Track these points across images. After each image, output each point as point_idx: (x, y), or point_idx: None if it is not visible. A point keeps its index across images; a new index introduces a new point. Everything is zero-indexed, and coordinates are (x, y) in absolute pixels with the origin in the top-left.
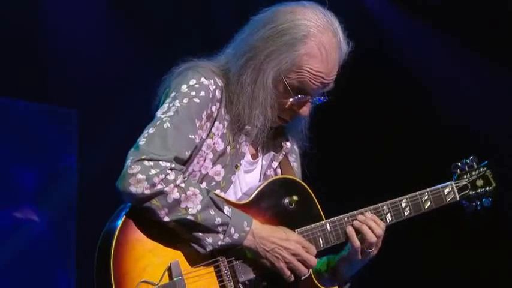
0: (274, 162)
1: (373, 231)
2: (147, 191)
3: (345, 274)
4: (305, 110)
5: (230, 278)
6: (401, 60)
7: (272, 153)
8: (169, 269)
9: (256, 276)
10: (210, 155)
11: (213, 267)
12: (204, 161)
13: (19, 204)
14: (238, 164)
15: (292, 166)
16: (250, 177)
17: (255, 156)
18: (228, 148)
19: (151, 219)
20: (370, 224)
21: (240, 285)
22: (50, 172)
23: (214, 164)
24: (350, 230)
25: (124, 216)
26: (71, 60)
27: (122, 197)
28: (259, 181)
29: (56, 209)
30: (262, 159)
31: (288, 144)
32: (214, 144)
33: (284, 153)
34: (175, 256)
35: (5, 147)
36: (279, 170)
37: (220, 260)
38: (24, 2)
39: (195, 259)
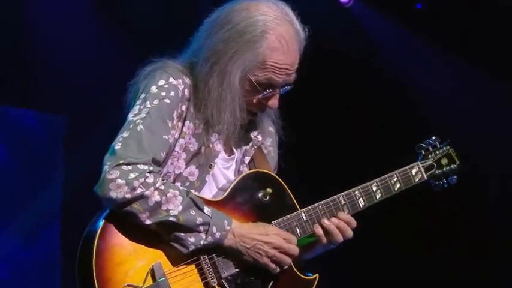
0: (246, 157)
1: (343, 234)
2: (128, 195)
3: (306, 258)
4: (274, 103)
5: (213, 274)
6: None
7: (244, 148)
8: (152, 271)
9: (238, 270)
10: (183, 155)
11: (194, 265)
12: (178, 161)
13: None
14: (213, 164)
15: (269, 151)
16: (229, 173)
17: (230, 153)
18: (203, 148)
19: (131, 222)
20: (341, 226)
21: (223, 281)
22: (36, 177)
23: (187, 164)
24: (319, 230)
25: (102, 222)
26: (60, 67)
27: (102, 203)
28: (236, 176)
29: (41, 214)
30: (236, 154)
31: (260, 137)
32: (186, 144)
33: (255, 146)
34: (157, 257)
35: None
36: (252, 164)
37: (202, 257)
38: (12, 8)
39: (176, 259)
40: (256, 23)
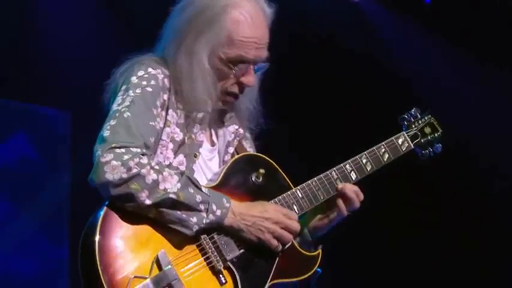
0: (230, 148)
1: (358, 198)
2: (125, 175)
3: (318, 236)
4: (249, 79)
5: (218, 257)
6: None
7: (227, 139)
8: (157, 260)
9: (242, 251)
10: (171, 145)
11: (198, 250)
12: (166, 150)
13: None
14: (197, 153)
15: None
16: (213, 164)
17: (213, 143)
18: (186, 138)
19: (130, 213)
20: (356, 190)
21: (229, 263)
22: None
23: (176, 153)
24: (341, 201)
25: (101, 217)
26: (63, 62)
27: (99, 190)
28: (220, 167)
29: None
30: (218, 145)
31: (241, 130)
32: (172, 133)
33: (238, 138)
34: (161, 246)
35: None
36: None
37: (205, 241)
38: (17, 4)
39: (180, 245)
40: (217, 0)
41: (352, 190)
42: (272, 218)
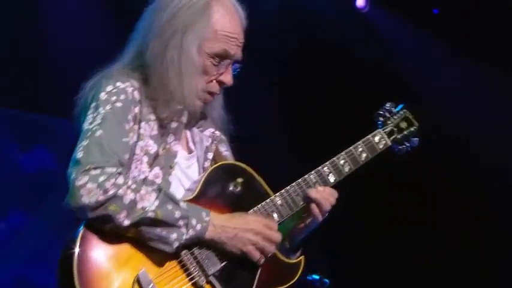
0: (209, 153)
1: (330, 201)
2: (101, 198)
3: (298, 241)
4: (228, 78)
5: (200, 272)
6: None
7: (204, 144)
8: (138, 280)
9: (224, 264)
10: (145, 158)
11: (179, 267)
12: (141, 164)
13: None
14: (172, 164)
15: (225, 156)
16: (192, 171)
17: (189, 151)
18: (160, 149)
19: (108, 233)
20: (327, 192)
21: (211, 278)
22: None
23: (151, 166)
24: (313, 206)
25: (80, 238)
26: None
27: (76, 213)
28: (199, 174)
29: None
30: (196, 152)
31: (217, 133)
32: (146, 146)
33: (216, 142)
34: (141, 265)
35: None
36: (214, 162)
37: (185, 257)
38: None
39: (160, 263)
40: None
41: (321, 196)
42: (254, 229)
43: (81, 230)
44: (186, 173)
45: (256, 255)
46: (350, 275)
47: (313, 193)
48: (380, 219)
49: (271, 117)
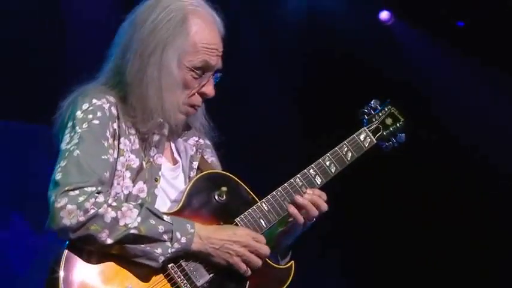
0: (194, 162)
1: (318, 208)
2: (82, 218)
3: (286, 245)
4: (210, 89)
5: (188, 285)
6: None
7: (189, 153)
8: None
9: (212, 275)
10: (128, 174)
11: (167, 280)
12: (123, 180)
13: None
14: (158, 177)
15: (211, 162)
16: (178, 182)
17: (174, 162)
18: (144, 163)
19: (91, 253)
20: (315, 199)
21: None
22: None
23: (134, 181)
24: (292, 209)
25: (63, 262)
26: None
27: (58, 235)
28: (186, 184)
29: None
30: (181, 162)
31: (201, 141)
32: (127, 161)
33: (200, 150)
34: (127, 282)
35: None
36: (199, 172)
37: (172, 270)
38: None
39: (147, 278)
40: (176, 10)
41: (308, 201)
42: (241, 241)
43: (65, 251)
44: (173, 184)
45: (242, 267)
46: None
47: (299, 199)
48: (387, 220)
49: (290, 124)
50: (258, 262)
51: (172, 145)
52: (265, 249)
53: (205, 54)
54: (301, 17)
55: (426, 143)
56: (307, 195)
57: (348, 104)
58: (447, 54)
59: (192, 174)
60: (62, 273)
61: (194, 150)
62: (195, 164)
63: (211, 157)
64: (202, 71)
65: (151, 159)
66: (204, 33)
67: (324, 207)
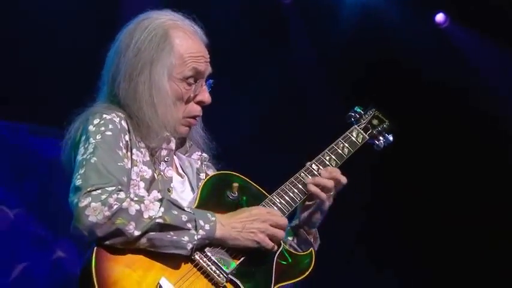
0: (201, 174)
1: (337, 182)
2: (107, 213)
3: (312, 231)
4: (205, 96)
5: (218, 272)
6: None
7: (195, 167)
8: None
9: (240, 261)
10: (142, 184)
11: (197, 269)
12: (138, 190)
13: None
14: (170, 188)
15: None
16: (186, 195)
17: (181, 175)
18: (155, 175)
19: (121, 250)
20: (333, 175)
21: (230, 276)
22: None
23: (149, 191)
24: (313, 187)
25: (94, 261)
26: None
27: (86, 235)
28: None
29: None
30: (188, 177)
31: (205, 154)
32: (141, 171)
33: (205, 162)
34: (160, 274)
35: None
36: None
37: (201, 260)
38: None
39: (177, 269)
40: (156, 28)
41: (325, 177)
42: (259, 217)
43: (94, 250)
44: (181, 197)
45: (268, 242)
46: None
47: (317, 178)
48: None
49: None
50: (282, 234)
51: (177, 161)
52: (284, 220)
53: (193, 62)
54: (355, 18)
55: (483, 145)
56: (323, 172)
57: (399, 106)
58: (504, 57)
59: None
60: (95, 272)
61: (199, 163)
62: (202, 175)
63: (213, 172)
64: (193, 79)
65: (162, 173)
66: (188, 43)
67: (344, 179)
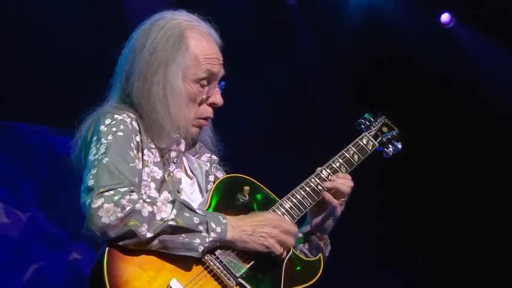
0: (210, 176)
1: (346, 184)
2: (120, 214)
3: (324, 237)
4: (218, 98)
5: (228, 275)
6: None
7: (204, 169)
8: None
9: (250, 264)
10: (153, 185)
11: (207, 272)
12: (149, 190)
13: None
14: (180, 189)
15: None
16: (195, 197)
17: (190, 177)
18: (165, 176)
19: (133, 251)
20: (343, 181)
21: (240, 279)
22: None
23: (159, 191)
24: (326, 194)
25: (106, 261)
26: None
27: (98, 236)
28: (202, 198)
29: None
30: (196, 178)
31: (214, 156)
32: (151, 172)
33: (214, 164)
34: (170, 276)
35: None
36: None
37: (211, 263)
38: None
39: (188, 271)
40: (172, 28)
41: (335, 182)
42: (270, 223)
43: (106, 250)
44: (191, 198)
45: (278, 247)
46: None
47: (327, 183)
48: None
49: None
50: (291, 240)
51: (186, 163)
52: (294, 227)
53: (208, 64)
54: (360, 18)
55: (496, 146)
56: (336, 178)
57: (405, 106)
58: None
59: (209, 187)
60: (106, 272)
61: (208, 165)
62: (212, 177)
63: (221, 174)
64: (207, 80)
65: (171, 174)
66: (202, 45)
67: (350, 183)
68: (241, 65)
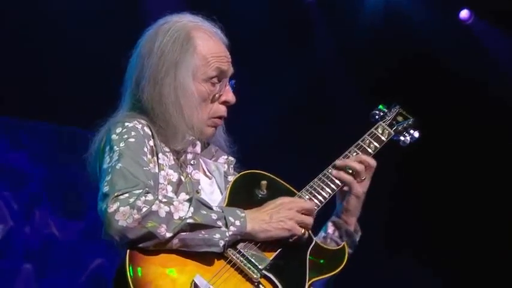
0: (229, 177)
1: (367, 165)
2: (137, 216)
3: (352, 220)
4: (230, 96)
5: (252, 268)
6: None
7: (222, 170)
8: (195, 285)
9: (272, 258)
10: (170, 188)
11: (230, 266)
12: (167, 193)
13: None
14: (199, 189)
15: None
16: (215, 197)
17: (209, 177)
18: (182, 178)
19: (153, 251)
20: (362, 158)
21: (264, 271)
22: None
23: (176, 193)
24: (344, 175)
25: (128, 263)
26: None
27: (117, 240)
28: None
29: None
30: (215, 179)
31: (231, 157)
32: (168, 175)
33: (232, 165)
34: (194, 272)
35: None
36: None
37: (234, 257)
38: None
39: (211, 266)
40: (178, 30)
41: (348, 163)
42: (284, 206)
43: (127, 252)
44: (211, 198)
45: (299, 228)
46: None
47: (343, 161)
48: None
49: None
50: (310, 220)
51: (203, 165)
52: (310, 204)
53: (216, 62)
54: (378, 17)
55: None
56: (350, 157)
57: (426, 105)
58: None
59: None
60: (129, 273)
61: (226, 166)
62: (230, 178)
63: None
64: (217, 78)
65: (189, 175)
66: (210, 44)
67: (373, 162)
68: (260, 65)
